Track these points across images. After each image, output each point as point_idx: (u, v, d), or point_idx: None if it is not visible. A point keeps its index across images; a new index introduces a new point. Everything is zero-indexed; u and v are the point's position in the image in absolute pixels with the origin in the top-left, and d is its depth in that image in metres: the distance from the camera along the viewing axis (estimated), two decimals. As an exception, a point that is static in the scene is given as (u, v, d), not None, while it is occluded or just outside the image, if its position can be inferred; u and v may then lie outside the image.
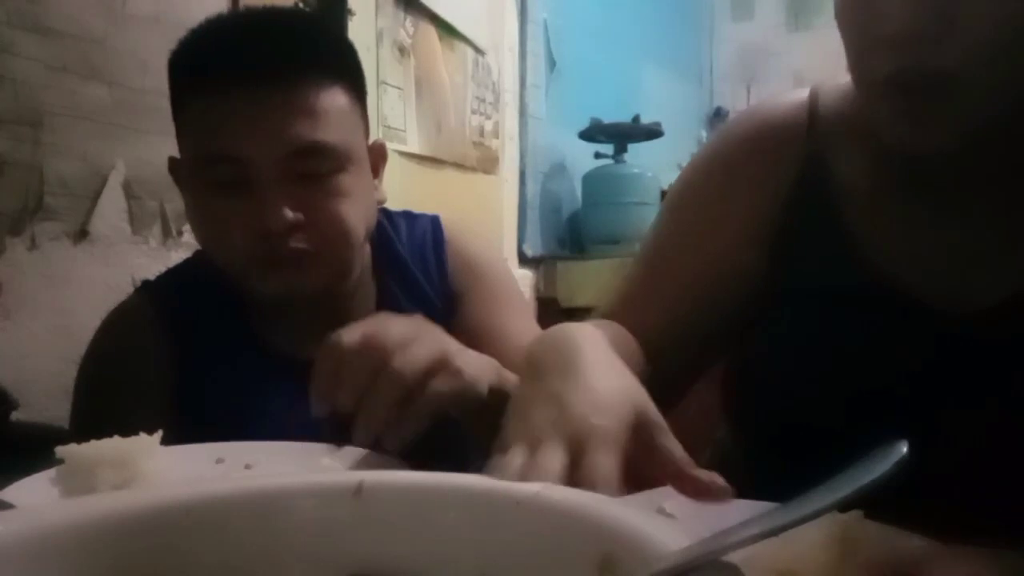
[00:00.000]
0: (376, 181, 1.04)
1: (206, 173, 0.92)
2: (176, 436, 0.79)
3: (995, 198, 0.73)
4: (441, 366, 0.73)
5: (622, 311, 0.88)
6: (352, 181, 0.95)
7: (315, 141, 0.91)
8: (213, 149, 0.91)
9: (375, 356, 0.71)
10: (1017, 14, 0.61)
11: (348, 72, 0.98)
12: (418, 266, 1.09)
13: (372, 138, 1.05)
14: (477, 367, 0.77)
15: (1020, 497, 0.67)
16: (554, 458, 0.49)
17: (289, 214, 0.90)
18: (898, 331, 0.74)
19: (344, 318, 1.04)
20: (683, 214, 0.89)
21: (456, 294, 1.09)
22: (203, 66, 0.93)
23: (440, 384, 0.73)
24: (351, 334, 0.73)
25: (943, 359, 0.72)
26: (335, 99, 0.94)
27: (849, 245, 0.77)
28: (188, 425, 0.85)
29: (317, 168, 0.92)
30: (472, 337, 1.04)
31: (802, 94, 0.85)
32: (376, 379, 0.71)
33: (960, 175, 0.73)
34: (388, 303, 1.06)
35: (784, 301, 0.80)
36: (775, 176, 0.82)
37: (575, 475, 0.49)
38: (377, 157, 1.05)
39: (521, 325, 1.09)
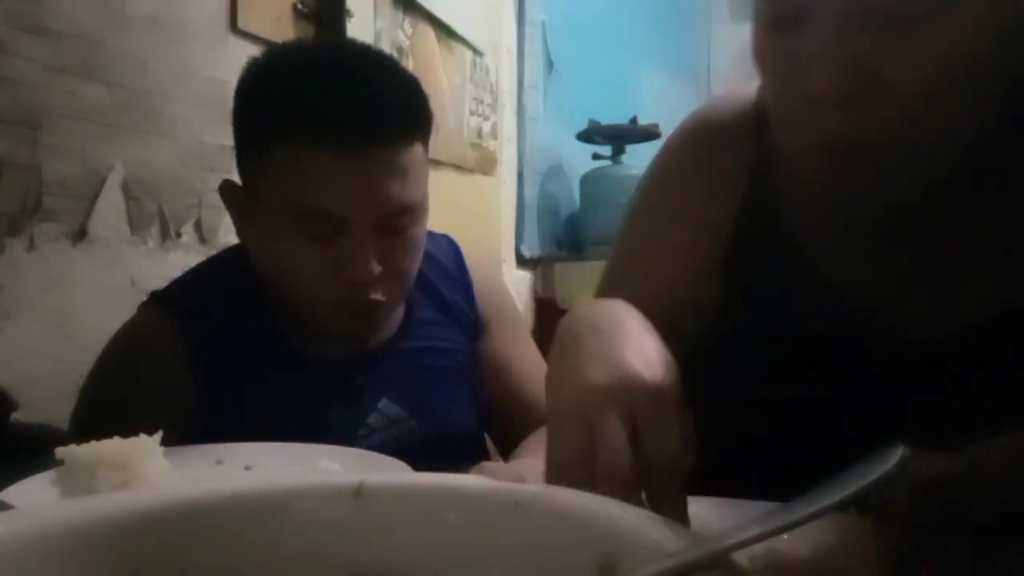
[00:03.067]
0: None
1: (298, 223, 0.95)
2: (200, 443, 0.79)
3: (947, 235, 0.69)
4: None
5: None
6: (422, 229, 1.02)
7: (408, 203, 0.97)
8: (312, 205, 0.94)
9: None
10: (943, 68, 0.57)
11: (425, 126, 1.03)
12: (438, 280, 1.15)
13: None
14: None
15: None
16: (616, 439, 0.47)
17: (377, 267, 0.95)
18: (853, 352, 0.69)
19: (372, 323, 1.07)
20: (635, 236, 0.85)
21: (484, 321, 1.17)
22: (307, 123, 0.94)
23: None
24: None
25: (898, 382, 0.68)
26: (418, 155, 0.99)
27: (799, 261, 0.72)
28: (213, 434, 0.84)
29: (402, 224, 0.98)
30: (494, 364, 1.16)
31: (749, 92, 0.80)
32: None
33: (904, 213, 0.69)
34: (415, 312, 1.12)
35: (741, 319, 0.75)
36: (721, 190, 0.77)
37: (638, 451, 0.47)
38: None
39: (532, 353, 1.19)
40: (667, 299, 0.78)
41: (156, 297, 1.06)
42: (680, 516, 0.47)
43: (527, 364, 1.16)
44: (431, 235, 1.17)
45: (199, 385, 0.99)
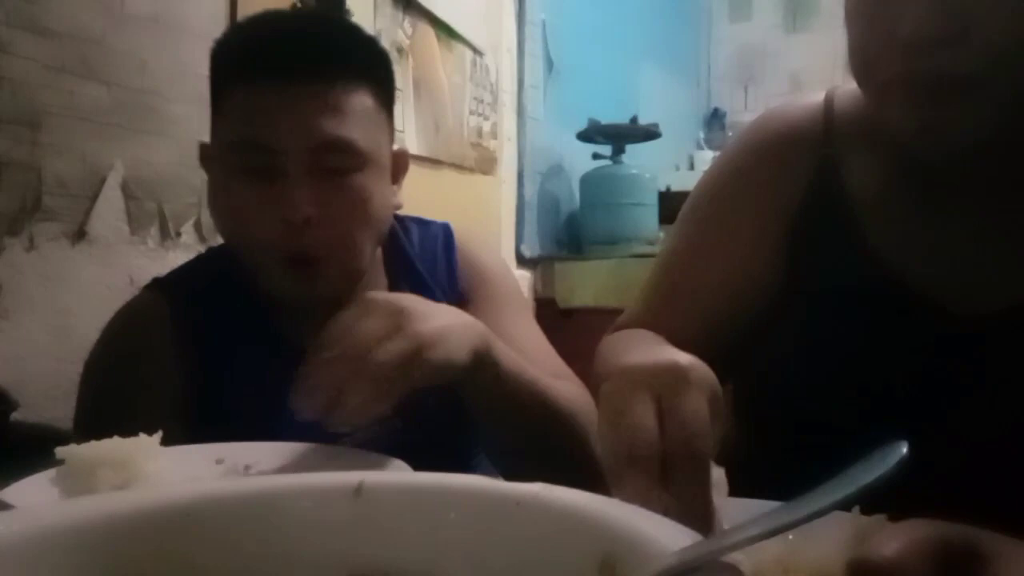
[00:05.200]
0: (395, 187, 1.07)
1: (236, 159, 0.96)
2: (191, 433, 0.79)
3: (1009, 202, 0.73)
4: (415, 357, 0.76)
5: (643, 318, 0.88)
6: (370, 182, 0.98)
7: (340, 137, 0.95)
8: (245, 136, 0.95)
9: (352, 357, 0.74)
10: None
11: (377, 78, 1.02)
12: (428, 270, 1.12)
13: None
14: (452, 347, 0.80)
15: None
16: (644, 412, 0.49)
17: (306, 208, 0.93)
18: (910, 331, 0.74)
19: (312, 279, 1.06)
20: (699, 222, 0.90)
21: (464, 298, 1.12)
22: (243, 58, 0.97)
23: (391, 346, 0.76)
24: (332, 336, 0.77)
25: (955, 359, 0.72)
26: (362, 101, 0.98)
27: (863, 247, 0.77)
28: (204, 422, 0.85)
29: (340, 164, 0.96)
30: None
31: (817, 98, 0.85)
32: (352, 380, 0.74)
33: (973, 178, 0.73)
34: None
35: (800, 302, 0.80)
36: (788, 181, 0.82)
37: (665, 421, 0.49)
38: (398, 164, 1.08)
39: (524, 327, 1.13)
40: (731, 276, 0.84)
41: (156, 281, 1.08)
42: (700, 506, 0.48)
43: (516, 335, 1.10)
44: (424, 223, 1.17)
45: (190, 368, 1.00)
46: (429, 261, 1.14)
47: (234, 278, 1.04)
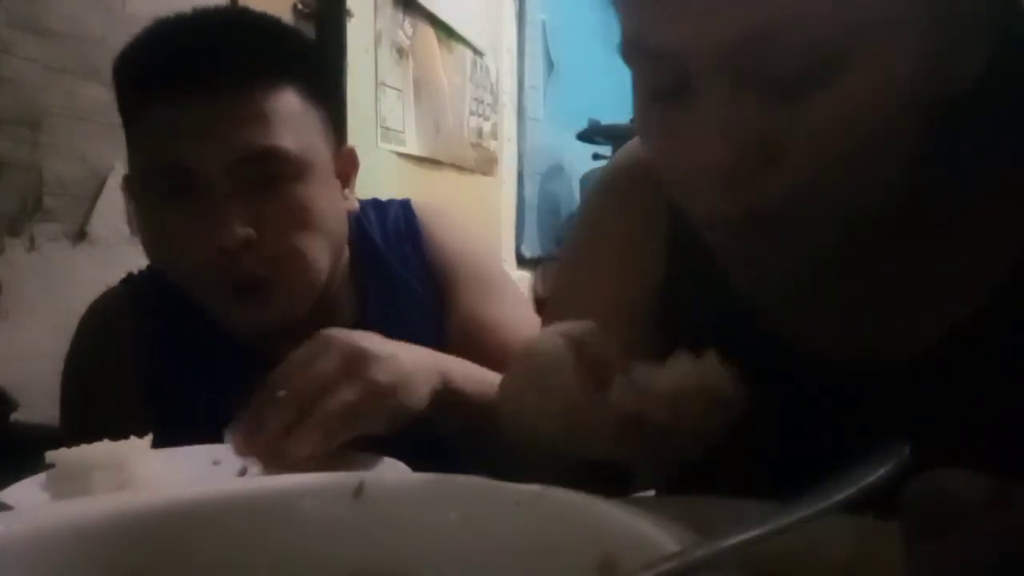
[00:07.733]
0: (346, 190, 0.99)
1: (155, 186, 0.88)
2: (155, 431, 0.76)
3: (878, 250, 0.64)
4: (366, 406, 0.72)
5: None
6: (311, 190, 0.89)
7: (264, 146, 0.86)
8: (159, 159, 0.87)
9: (301, 399, 0.71)
10: (848, 131, 0.51)
11: (303, 73, 0.92)
12: (395, 257, 1.04)
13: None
14: (409, 394, 0.76)
15: None
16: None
17: (240, 230, 0.84)
18: (793, 386, 0.66)
19: (324, 320, 1.00)
20: (569, 293, 0.81)
21: (441, 287, 1.04)
22: (145, 75, 0.88)
23: (343, 394, 0.71)
24: (283, 373, 0.73)
25: (845, 414, 0.64)
26: (286, 102, 0.89)
27: (731, 300, 0.69)
28: (167, 419, 0.83)
29: (270, 175, 0.87)
30: (464, 329, 1.02)
31: None
32: (299, 426, 0.70)
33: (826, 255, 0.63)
34: (370, 301, 1.03)
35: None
36: (646, 234, 0.73)
37: None
38: (346, 164, 0.99)
39: (511, 311, 1.06)
40: None
41: (127, 278, 1.06)
42: None
43: (504, 321, 1.03)
44: (381, 204, 1.09)
45: (153, 367, 0.97)
46: (396, 247, 1.05)
47: None
